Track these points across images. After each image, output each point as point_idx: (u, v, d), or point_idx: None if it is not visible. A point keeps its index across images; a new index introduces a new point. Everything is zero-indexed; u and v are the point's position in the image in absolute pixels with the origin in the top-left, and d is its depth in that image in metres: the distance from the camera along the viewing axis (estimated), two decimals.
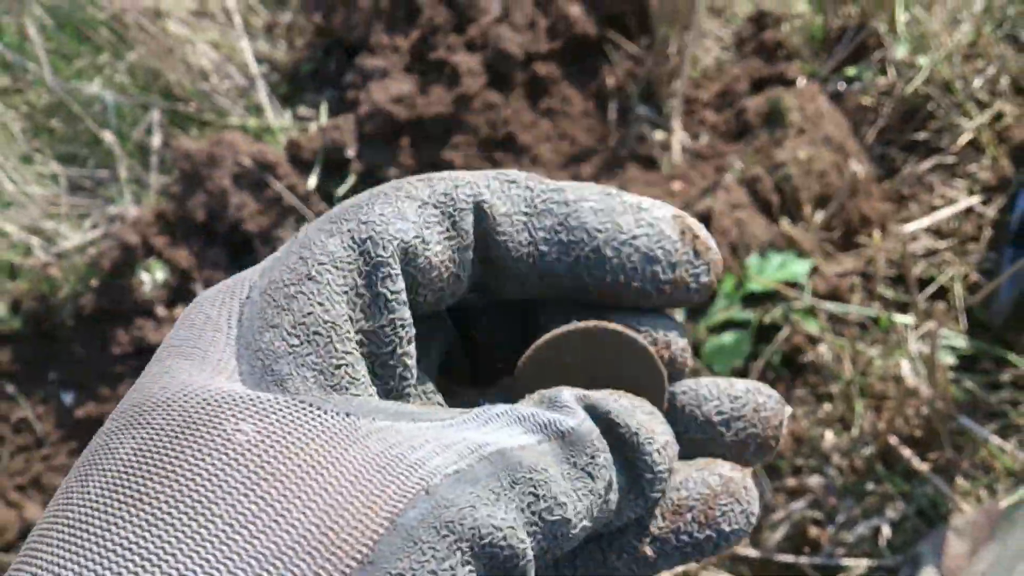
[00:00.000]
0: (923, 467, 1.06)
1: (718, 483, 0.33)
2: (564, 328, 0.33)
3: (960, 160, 1.31)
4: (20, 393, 1.34)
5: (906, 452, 1.07)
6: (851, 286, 1.18)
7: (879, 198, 1.26)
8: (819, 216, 1.19)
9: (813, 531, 1.06)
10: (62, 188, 1.56)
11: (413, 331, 0.29)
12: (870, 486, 1.08)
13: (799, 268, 1.07)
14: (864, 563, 1.04)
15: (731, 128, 1.31)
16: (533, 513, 0.26)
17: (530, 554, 0.25)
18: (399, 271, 0.29)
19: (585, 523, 0.28)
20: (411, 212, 0.30)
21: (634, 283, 0.33)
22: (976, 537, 1.01)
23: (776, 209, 1.17)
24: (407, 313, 0.29)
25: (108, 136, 1.55)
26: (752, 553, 1.06)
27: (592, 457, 0.28)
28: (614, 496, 0.29)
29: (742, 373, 1.13)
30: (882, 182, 1.30)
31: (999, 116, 1.32)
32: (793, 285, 1.13)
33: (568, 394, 0.30)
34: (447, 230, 0.30)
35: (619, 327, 0.33)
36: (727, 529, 0.32)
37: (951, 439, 1.08)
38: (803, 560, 1.05)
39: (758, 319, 1.12)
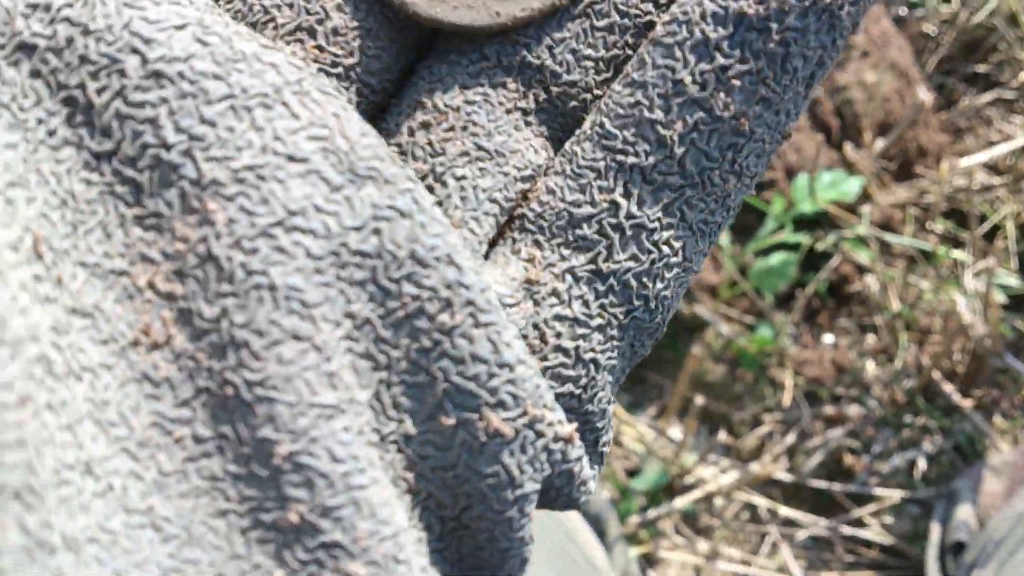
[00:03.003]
0: (965, 403, 1.05)
1: None
2: None
3: (1020, 95, 1.28)
4: None
5: (948, 387, 1.06)
6: (904, 218, 1.16)
7: (936, 129, 1.23)
8: (879, 144, 1.16)
9: (848, 459, 1.06)
10: None
11: None
12: (908, 419, 1.08)
13: (850, 187, 1.05)
14: (897, 494, 1.04)
15: None
16: None
17: None
18: None
19: None
20: None
21: None
22: (1013, 477, 1.00)
23: (836, 134, 1.14)
24: None
25: None
26: (785, 477, 1.06)
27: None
28: None
29: (788, 298, 1.12)
30: (939, 113, 1.27)
31: None
32: (847, 209, 1.11)
33: None
34: None
35: None
36: None
37: (992, 377, 1.08)
38: (836, 487, 1.05)
39: (807, 245, 1.10)
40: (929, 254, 1.14)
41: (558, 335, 0.22)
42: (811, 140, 1.13)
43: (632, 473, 1.07)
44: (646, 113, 0.22)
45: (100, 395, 0.19)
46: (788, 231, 1.07)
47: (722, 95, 0.22)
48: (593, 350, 0.23)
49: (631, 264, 0.23)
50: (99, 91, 0.19)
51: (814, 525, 1.04)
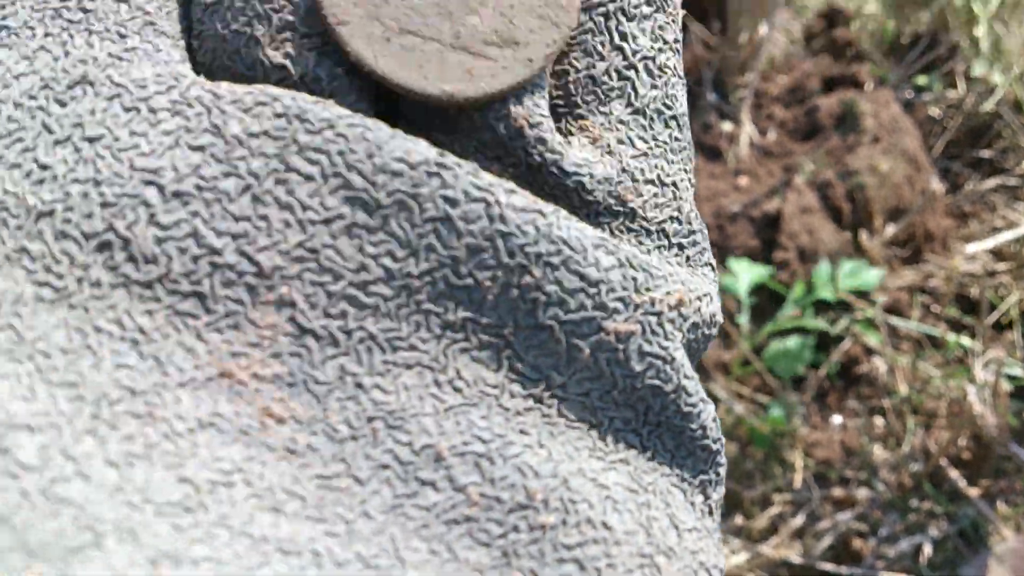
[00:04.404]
0: (972, 491, 1.07)
1: None
2: None
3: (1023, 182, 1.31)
4: None
5: (954, 474, 1.08)
6: (912, 302, 1.18)
7: (943, 213, 1.25)
8: (889, 229, 1.18)
9: (856, 543, 1.07)
10: None
11: None
12: (915, 503, 1.09)
13: (871, 278, 1.07)
14: None
15: (801, 126, 1.30)
16: None
17: None
18: None
19: None
20: None
21: None
22: (1016, 565, 1.02)
23: (847, 217, 1.16)
24: None
25: None
26: (795, 559, 1.07)
27: None
28: None
29: (799, 378, 1.13)
30: (944, 197, 1.29)
31: None
32: (862, 295, 1.12)
33: None
34: None
35: None
36: None
37: (996, 464, 1.09)
38: (844, 571, 1.06)
39: (821, 328, 1.11)
40: (935, 339, 1.16)
41: (642, 171, 0.25)
42: (824, 224, 1.15)
43: None
44: None
45: (258, 485, 0.20)
46: (808, 315, 1.09)
47: None
48: (669, 175, 0.25)
49: (655, 92, 0.25)
50: (129, 225, 0.20)
51: None
